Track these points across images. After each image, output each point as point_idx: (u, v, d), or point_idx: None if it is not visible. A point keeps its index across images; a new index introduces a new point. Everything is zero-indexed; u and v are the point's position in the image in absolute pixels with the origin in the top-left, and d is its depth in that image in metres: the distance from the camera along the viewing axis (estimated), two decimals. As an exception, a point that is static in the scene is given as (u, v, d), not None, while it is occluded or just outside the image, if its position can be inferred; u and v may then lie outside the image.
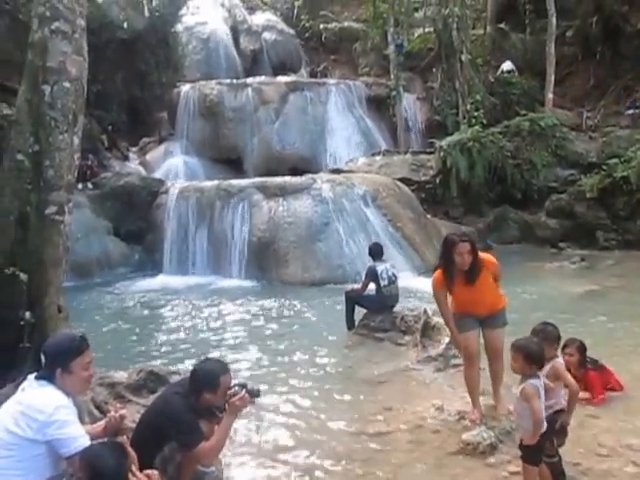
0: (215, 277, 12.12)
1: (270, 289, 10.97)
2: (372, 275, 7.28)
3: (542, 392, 3.40)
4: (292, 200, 12.27)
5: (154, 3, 21.88)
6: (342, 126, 19.11)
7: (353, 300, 7.58)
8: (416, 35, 22.97)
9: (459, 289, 4.51)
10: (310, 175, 13.74)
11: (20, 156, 5.20)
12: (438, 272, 4.63)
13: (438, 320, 6.53)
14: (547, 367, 3.62)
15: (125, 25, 20.09)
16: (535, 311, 7.83)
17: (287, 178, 13.29)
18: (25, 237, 5.18)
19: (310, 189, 12.43)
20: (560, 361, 3.87)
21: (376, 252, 7.52)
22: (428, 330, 6.70)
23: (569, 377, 3.82)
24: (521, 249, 14.73)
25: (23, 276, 5.06)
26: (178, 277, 12.21)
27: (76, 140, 5.33)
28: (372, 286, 7.34)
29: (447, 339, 6.15)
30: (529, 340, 3.55)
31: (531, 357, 3.37)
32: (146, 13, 21.28)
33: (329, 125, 19.01)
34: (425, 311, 6.89)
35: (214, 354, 6.69)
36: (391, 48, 20.25)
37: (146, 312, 9.63)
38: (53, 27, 5.16)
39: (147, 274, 12.54)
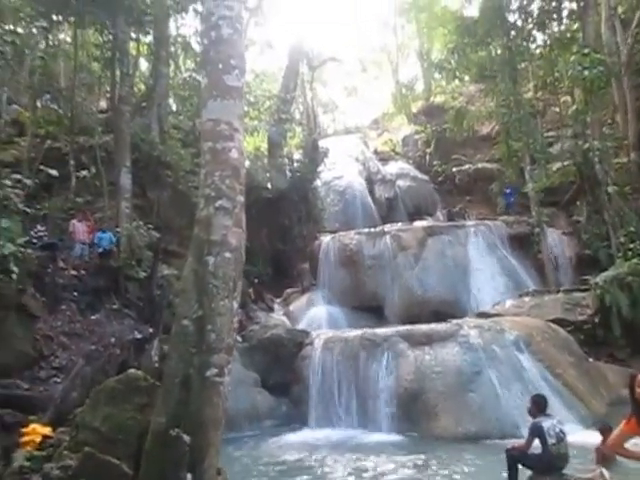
0: (362, 430, 11.64)
1: (420, 444, 10.30)
2: (538, 432, 6.71)
3: None
4: (439, 348, 11.85)
5: (295, 164, 24.13)
6: (485, 267, 18.76)
7: (516, 460, 6.95)
8: (554, 168, 22.69)
9: None
10: (456, 321, 13.37)
11: (185, 322, 5.62)
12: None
13: (618, 484, 5.79)
14: None
15: (269, 186, 22.22)
16: None
17: (432, 325, 12.97)
18: (188, 398, 5.43)
19: (457, 336, 11.97)
20: None
21: (540, 405, 6.96)
22: (606, 496, 5.91)
23: None
24: None
25: (186, 437, 5.22)
26: (324, 430, 11.91)
27: (235, 305, 5.71)
28: (536, 443, 6.71)
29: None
30: None
31: None
32: (288, 174, 23.44)
33: (471, 267, 18.74)
34: (602, 474, 6.15)
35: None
36: (529, 186, 20.13)
37: (294, 471, 9.35)
38: (217, 205, 5.78)
39: (293, 427, 12.37)
